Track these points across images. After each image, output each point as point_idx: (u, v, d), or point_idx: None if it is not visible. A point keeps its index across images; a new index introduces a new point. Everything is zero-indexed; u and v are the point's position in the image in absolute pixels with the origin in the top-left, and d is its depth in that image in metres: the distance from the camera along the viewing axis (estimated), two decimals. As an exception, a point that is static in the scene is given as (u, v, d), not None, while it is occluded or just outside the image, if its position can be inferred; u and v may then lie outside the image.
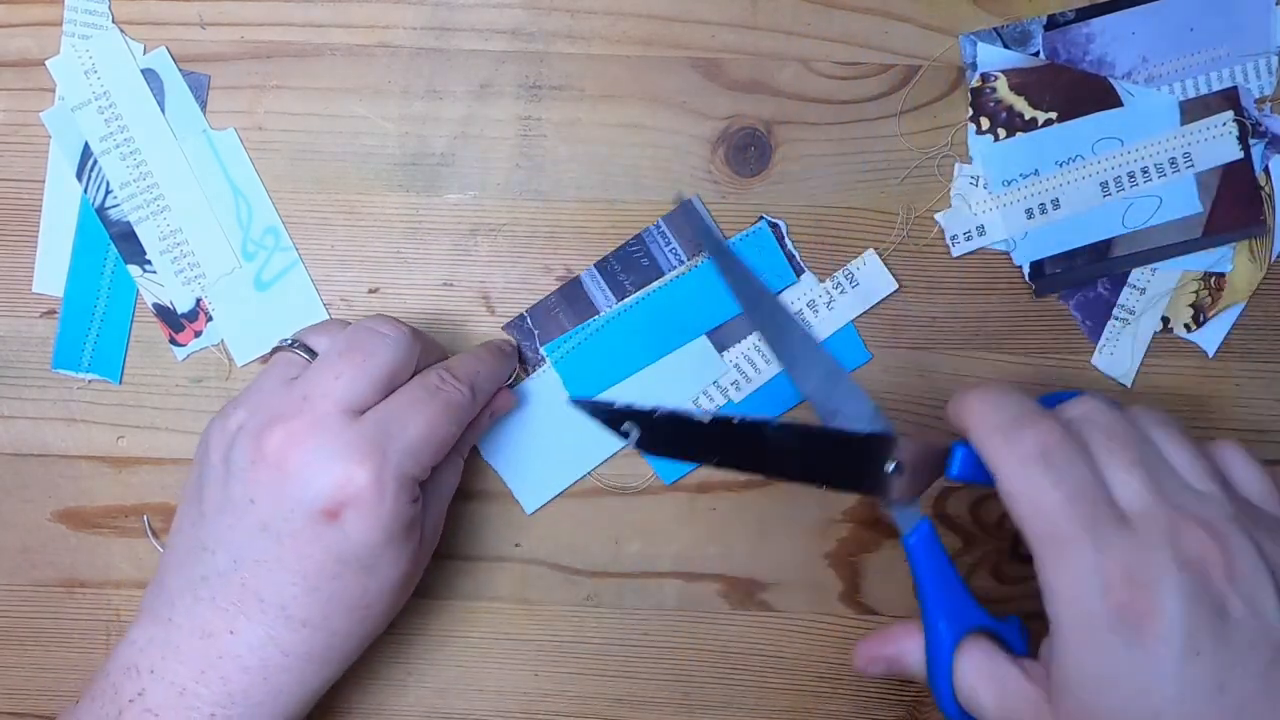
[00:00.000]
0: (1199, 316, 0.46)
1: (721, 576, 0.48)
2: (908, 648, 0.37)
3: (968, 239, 0.46)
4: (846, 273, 0.45)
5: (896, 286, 0.45)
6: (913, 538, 0.37)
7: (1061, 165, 0.45)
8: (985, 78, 0.46)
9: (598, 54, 0.46)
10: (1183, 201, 0.45)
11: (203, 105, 0.46)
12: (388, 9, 0.45)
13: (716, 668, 0.48)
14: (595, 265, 0.46)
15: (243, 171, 0.46)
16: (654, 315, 0.45)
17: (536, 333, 0.46)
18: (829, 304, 0.45)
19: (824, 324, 0.46)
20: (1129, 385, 0.47)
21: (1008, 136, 0.46)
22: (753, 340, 0.46)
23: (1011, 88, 0.46)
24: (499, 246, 0.46)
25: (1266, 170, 0.46)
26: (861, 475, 0.36)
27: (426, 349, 0.41)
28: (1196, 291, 0.46)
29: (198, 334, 0.46)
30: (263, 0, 0.45)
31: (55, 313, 0.46)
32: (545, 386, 0.46)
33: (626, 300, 0.45)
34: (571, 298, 0.46)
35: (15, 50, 0.45)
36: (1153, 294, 0.46)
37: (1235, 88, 0.45)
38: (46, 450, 0.47)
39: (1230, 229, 0.46)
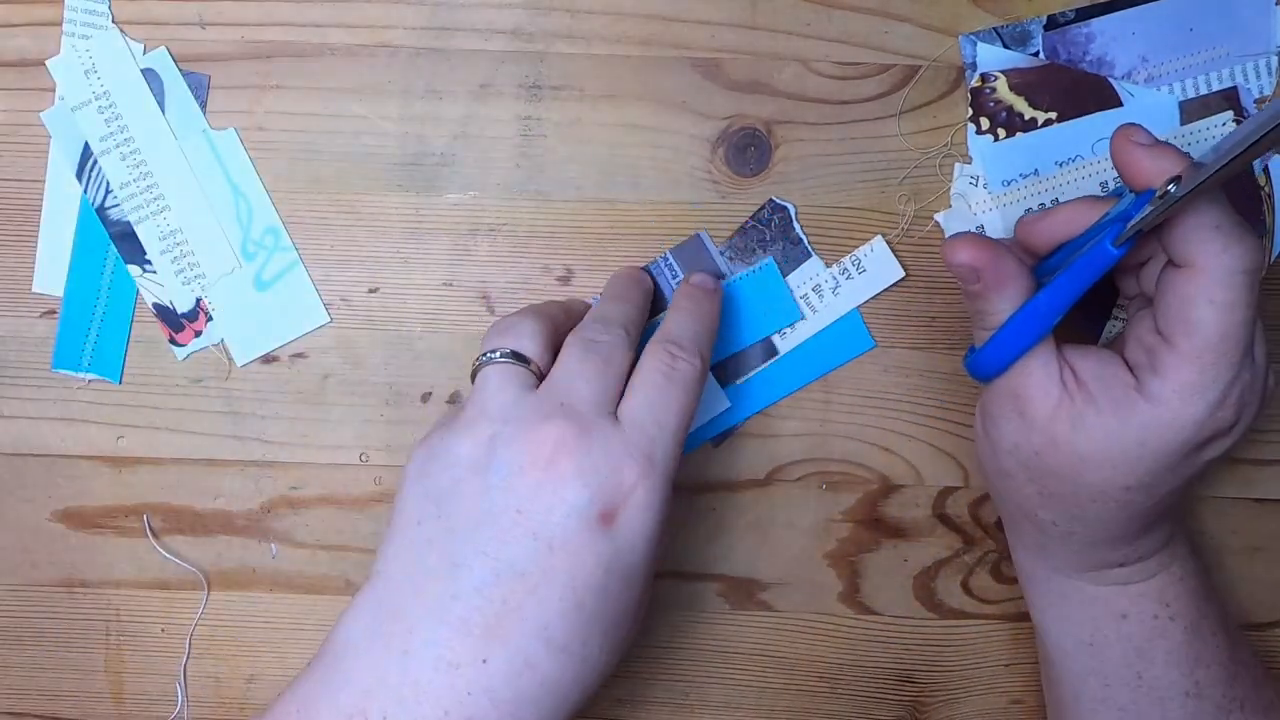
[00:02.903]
0: (1199, 316, 0.46)
1: (721, 576, 0.48)
2: (1013, 283, 0.38)
3: (965, 196, 0.46)
4: (854, 259, 0.45)
5: (904, 274, 0.46)
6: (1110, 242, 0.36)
7: (1061, 165, 0.45)
8: (985, 78, 0.46)
9: (598, 54, 0.46)
10: None
11: (203, 105, 0.46)
12: (388, 9, 0.45)
13: (716, 668, 0.48)
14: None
15: (243, 171, 0.46)
16: None
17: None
18: (835, 289, 0.45)
19: (829, 309, 0.46)
20: (1129, 385, 0.47)
21: (1007, 136, 0.46)
22: (754, 374, 0.46)
23: (1011, 88, 0.46)
24: (499, 246, 0.46)
25: (1266, 170, 0.46)
26: None
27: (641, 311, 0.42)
28: (1196, 291, 0.46)
29: (198, 334, 0.46)
30: (263, 0, 0.45)
31: (55, 313, 0.46)
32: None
33: None
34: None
35: (15, 50, 0.45)
36: (1152, 294, 0.46)
37: (1235, 87, 0.45)
38: (46, 450, 0.47)
39: None
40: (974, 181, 0.46)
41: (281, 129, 0.46)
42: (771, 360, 0.46)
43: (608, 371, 0.38)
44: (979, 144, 0.46)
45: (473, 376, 0.39)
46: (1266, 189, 0.46)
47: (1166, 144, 0.36)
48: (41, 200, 0.46)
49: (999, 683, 0.48)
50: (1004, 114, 0.46)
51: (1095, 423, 0.37)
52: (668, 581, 0.48)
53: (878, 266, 0.46)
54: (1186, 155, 0.36)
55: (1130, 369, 0.38)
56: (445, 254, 0.46)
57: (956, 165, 0.46)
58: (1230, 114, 0.45)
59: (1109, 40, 0.45)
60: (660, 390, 0.38)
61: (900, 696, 0.48)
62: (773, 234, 0.45)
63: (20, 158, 0.46)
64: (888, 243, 0.45)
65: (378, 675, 0.33)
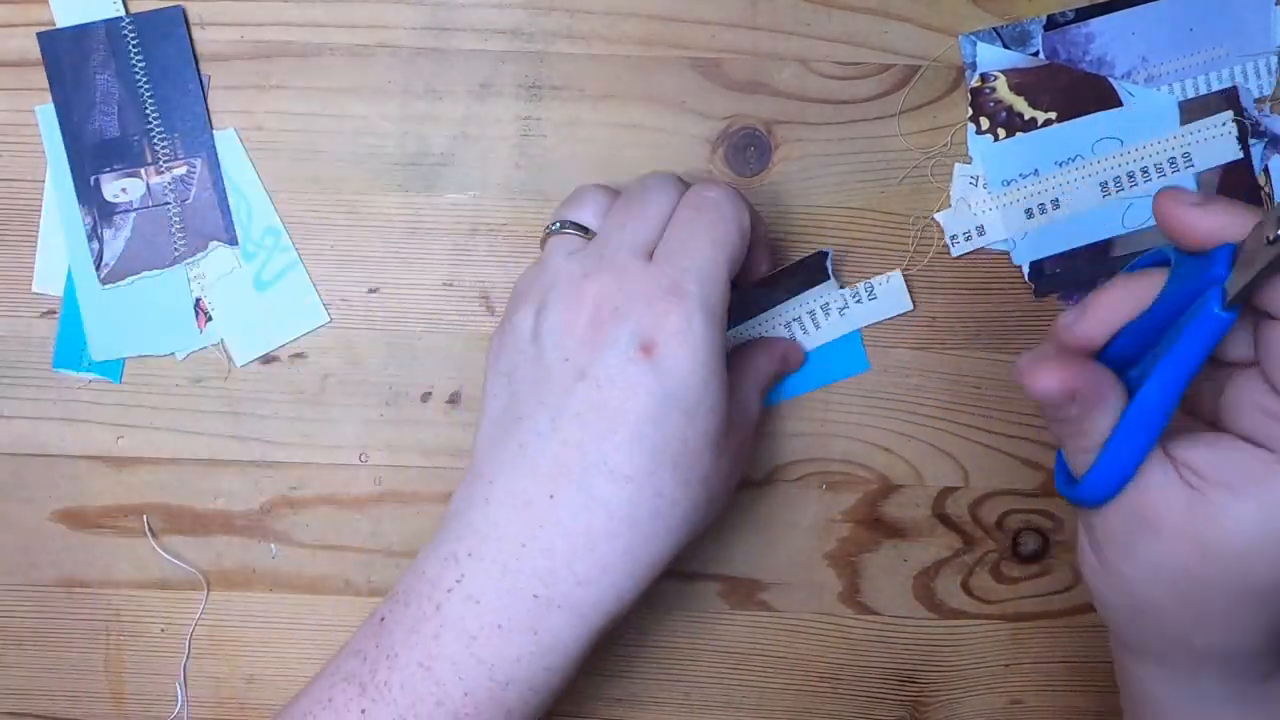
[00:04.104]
0: (1199, 316, 0.46)
1: (721, 576, 0.48)
2: (1111, 392, 0.32)
3: (967, 239, 0.46)
4: (868, 285, 0.46)
5: (911, 307, 0.46)
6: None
7: (1061, 165, 0.45)
8: (985, 78, 0.46)
9: (598, 54, 0.46)
10: None
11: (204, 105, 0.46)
12: (388, 9, 0.45)
13: (716, 668, 0.48)
14: None
15: (242, 171, 0.46)
16: None
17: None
18: (842, 310, 0.45)
19: (832, 327, 0.46)
20: (1129, 385, 0.47)
21: (1007, 136, 0.46)
22: None
23: (1011, 88, 0.46)
24: (499, 246, 0.46)
25: (1266, 170, 0.46)
26: None
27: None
28: (1196, 291, 0.46)
29: (197, 334, 0.46)
30: (263, 0, 0.45)
31: (55, 313, 0.46)
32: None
33: None
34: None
35: (15, 50, 0.45)
36: (1152, 294, 0.46)
37: (1235, 87, 0.45)
38: (46, 450, 0.47)
39: None
40: (974, 181, 0.46)
41: (281, 129, 0.46)
42: None
43: (646, 215, 0.39)
44: (979, 144, 0.46)
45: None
46: (1266, 189, 0.46)
47: (1217, 198, 0.33)
48: (41, 200, 0.46)
49: (999, 683, 0.48)
50: (1004, 114, 0.46)
51: (1242, 511, 0.31)
52: (668, 581, 0.48)
53: (889, 297, 0.46)
54: (1240, 203, 0.32)
55: (1253, 441, 0.32)
56: (445, 254, 0.46)
57: (956, 165, 0.46)
58: (1230, 114, 0.45)
59: (1109, 40, 0.45)
60: (688, 225, 0.39)
61: (900, 696, 0.48)
62: (804, 270, 0.45)
63: (20, 157, 0.46)
64: (905, 277, 0.46)
65: (466, 523, 0.37)
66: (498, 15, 0.45)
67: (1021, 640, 0.48)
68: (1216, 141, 0.45)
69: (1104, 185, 0.45)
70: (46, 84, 0.45)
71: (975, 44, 0.46)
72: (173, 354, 0.46)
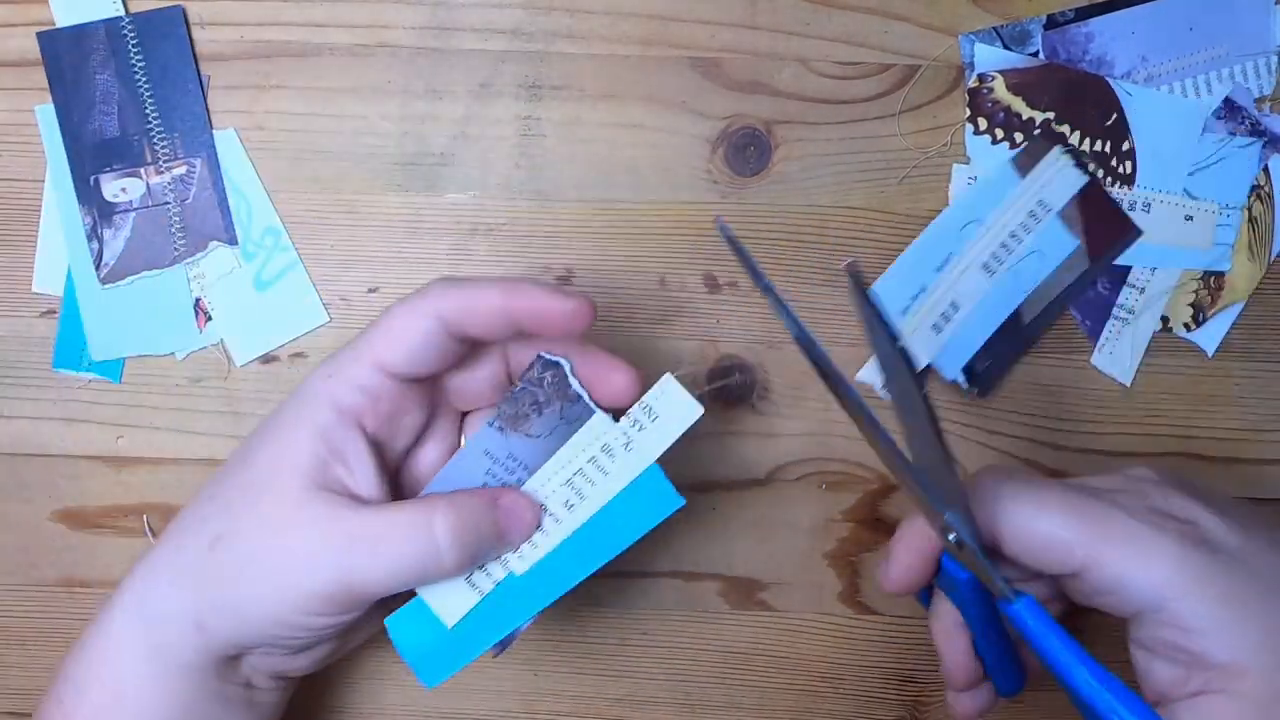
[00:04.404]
0: (1198, 315, 0.47)
1: (721, 576, 0.48)
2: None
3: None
4: (644, 406, 0.38)
5: (701, 411, 0.37)
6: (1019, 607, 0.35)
7: (940, 270, 0.46)
8: (982, 78, 0.46)
9: (598, 54, 0.46)
10: (1059, 245, 0.46)
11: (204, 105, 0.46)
12: (388, 9, 0.45)
13: (717, 668, 0.48)
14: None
15: (242, 171, 0.46)
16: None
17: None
18: (627, 446, 0.38)
19: (623, 470, 0.38)
20: (1128, 384, 0.47)
21: (1005, 137, 0.46)
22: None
23: (1009, 88, 0.46)
24: (499, 246, 0.46)
25: (1266, 170, 0.46)
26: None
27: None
28: (1196, 291, 0.46)
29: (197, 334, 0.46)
30: (263, 0, 0.45)
31: (55, 312, 0.46)
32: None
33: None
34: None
35: (14, 50, 0.45)
36: (1152, 293, 0.46)
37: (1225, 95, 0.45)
38: (46, 450, 0.47)
39: (1111, 246, 0.46)
40: (972, 181, 0.46)
41: (281, 129, 0.46)
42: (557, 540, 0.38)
43: None
44: (977, 144, 0.46)
45: None
46: (1266, 189, 0.46)
47: (897, 557, 0.38)
48: (41, 200, 0.46)
49: (999, 682, 0.48)
50: (1002, 114, 0.46)
51: None
52: (668, 581, 0.48)
53: (671, 409, 0.38)
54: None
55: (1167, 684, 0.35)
56: (445, 254, 0.46)
57: (955, 166, 0.46)
58: (1059, 147, 0.45)
59: (1109, 40, 0.45)
60: None
61: (900, 696, 0.48)
62: (547, 394, 0.38)
63: (20, 157, 0.46)
64: (679, 380, 0.37)
65: None
66: (498, 15, 0.45)
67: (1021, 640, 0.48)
68: (1059, 178, 0.46)
69: (985, 267, 0.45)
70: (46, 84, 0.45)
71: (974, 44, 0.46)
72: (173, 354, 0.46)
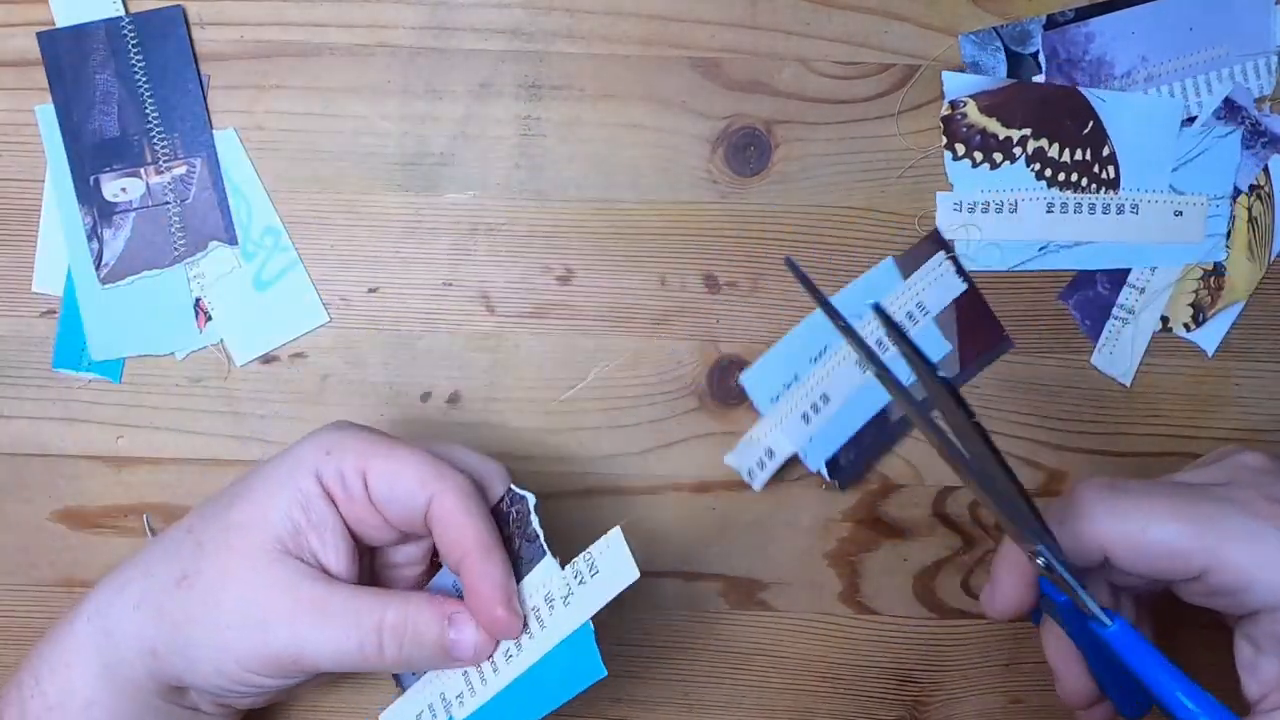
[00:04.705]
0: (1198, 315, 0.47)
1: (721, 576, 0.48)
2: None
3: (762, 468, 0.46)
4: (588, 557, 0.36)
5: (638, 575, 0.35)
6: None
7: (815, 361, 0.46)
8: (954, 104, 0.45)
9: (597, 54, 0.46)
10: (933, 347, 0.46)
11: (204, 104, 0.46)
12: (388, 9, 0.45)
13: (717, 667, 0.48)
14: None
15: (242, 171, 0.46)
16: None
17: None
18: (566, 598, 0.36)
19: (557, 625, 0.36)
20: (1128, 384, 0.47)
21: (984, 160, 0.46)
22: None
23: (982, 110, 0.46)
24: (498, 246, 0.46)
25: (1266, 170, 0.46)
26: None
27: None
28: (1196, 290, 0.46)
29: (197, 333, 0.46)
30: (263, 0, 0.45)
31: (55, 312, 0.46)
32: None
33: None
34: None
35: (14, 50, 0.45)
36: (1152, 292, 0.46)
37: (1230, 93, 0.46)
38: (46, 450, 0.47)
39: (981, 354, 0.46)
40: (957, 208, 0.46)
41: (281, 129, 0.46)
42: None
43: None
44: (957, 170, 0.46)
45: None
46: (1266, 189, 0.46)
47: (999, 581, 0.37)
48: (41, 200, 0.46)
49: (999, 683, 0.48)
50: (978, 137, 0.46)
51: None
52: (668, 581, 0.48)
53: (612, 566, 0.36)
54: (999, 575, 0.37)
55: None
56: (445, 254, 0.46)
57: (938, 195, 0.46)
58: (942, 253, 0.46)
59: (1109, 40, 0.45)
60: None
61: (900, 696, 0.48)
62: (510, 528, 0.38)
63: (20, 157, 0.46)
64: (623, 535, 0.36)
65: None
66: (498, 15, 0.45)
67: (1021, 640, 0.48)
68: (940, 283, 0.46)
69: (859, 362, 0.46)
70: (46, 84, 0.45)
71: (972, 43, 0.46)
72: (173, 354, 0.46)
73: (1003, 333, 0.46)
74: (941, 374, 0.32)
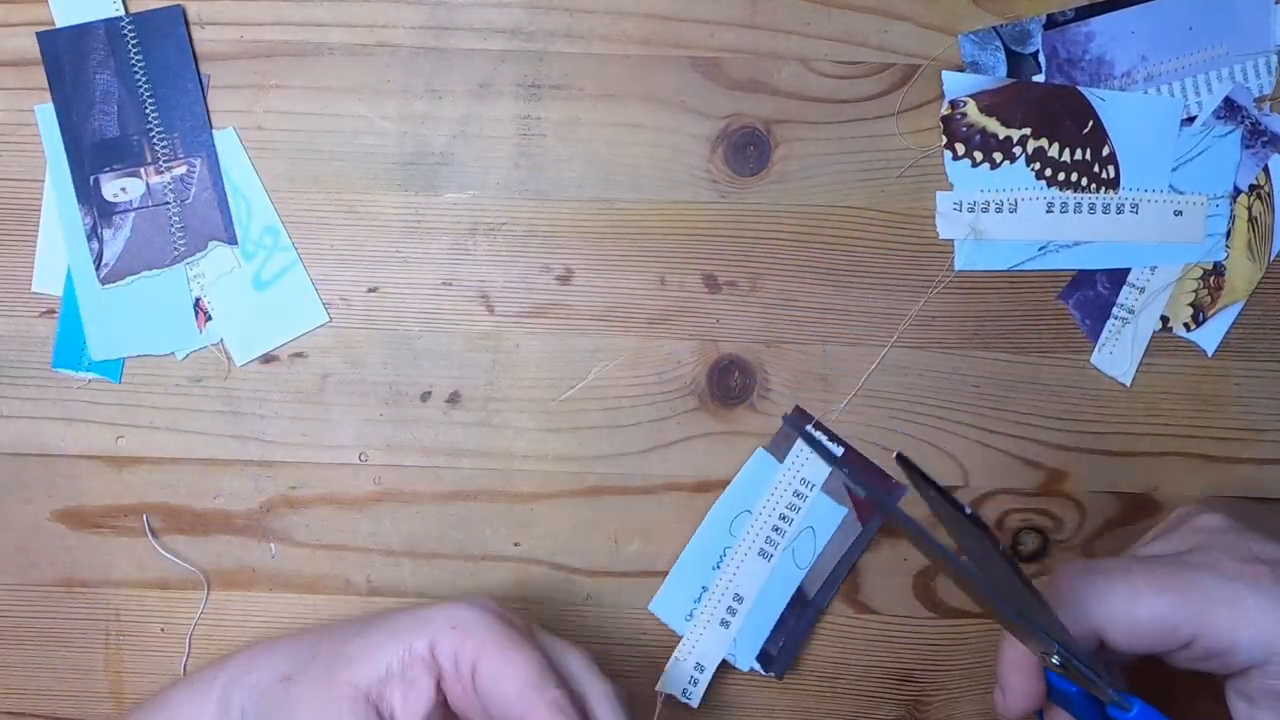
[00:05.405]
0: (1198, 315, 0.47)
1: (721, 576, 0.48)
2: None
3: (695, 684, 0.46)
4: None
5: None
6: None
7: (717, 567, 0.46)
8: (954, 104, 0.45)
9: (597, 53, 0.46)
10: (829, 516, 0.47)
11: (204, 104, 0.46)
12: (387, 9, 0.45)
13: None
14: None
15: (242, 171, 0.46)
16: None
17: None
18: None
19: None
20: (1128, 384, 0.47)
21: (984, 160, 0.46)
22: None
23: (982, 110, 0.46)
24: (498, 246, 0.46)
25: (1266, 170, 0.46)
26: None
27: None
28: (1196, 290, 0.46)
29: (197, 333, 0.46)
30: (263, 0, 0.45)
31: (55, 312, 0.46)
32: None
33: None
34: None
35: (13, 50, 0.45)
36: (1152, 292, 0.46)
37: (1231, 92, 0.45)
38: (46, 450, 0.47)
39: (875, 515, 0.47)
40: (957, 207, 0.46)
41: (281, 128, 0.46)
42: None
43: None
44: (957, 170, 0.46)
45: None
46: (1266, 188, 0.46)
47: (1009, 683, 0.37)
48: (41, 200, 0.46)
49: (999, 682, 0.48)
50: (978, 137, 0.46)
51: None
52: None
53: None
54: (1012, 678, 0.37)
55: None
56: (445, 254, 0.46)
57: (938, 195, 0.46)
58: (800, 440, 0.46)
59: (1108, 39, 0.45)
60: None
61: (900, 696, 0.48)
62: None
63: (20, 157, 0.46)
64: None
65: None
66: (498, 15, 0.45)
67: (1021, 640, 0.48)
68: (813, 462, 0.46)
69: (762, 553, 0.46)
70: (46, 84, 0.45)
71: (970, 44, 0.46)
72: (173, 354, 0.46)
73: (892, 481, 0.47)
74: (969, 512, 0.32)
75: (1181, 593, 0.35)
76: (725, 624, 0.46)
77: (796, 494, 0.46)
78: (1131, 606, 0.35)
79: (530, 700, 0.36)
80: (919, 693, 0.48)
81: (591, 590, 0.47)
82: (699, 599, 0.46)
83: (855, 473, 0.45)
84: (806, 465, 0.46)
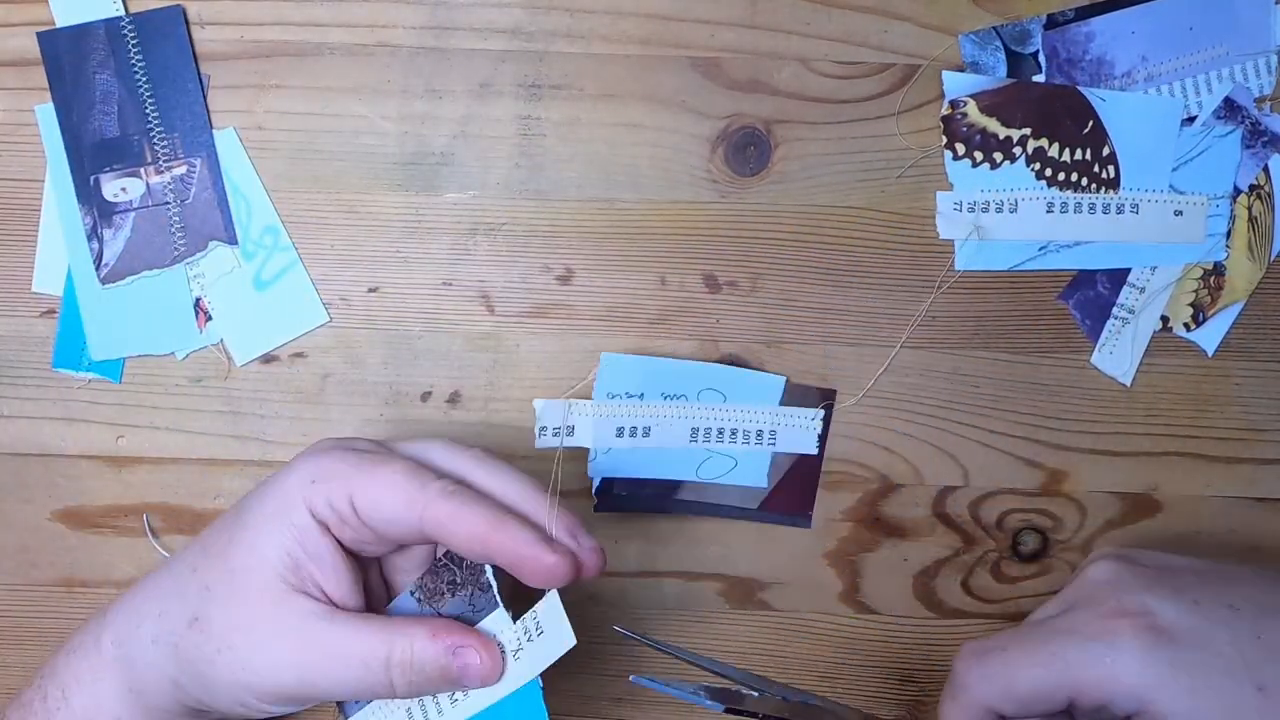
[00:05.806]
0: (1198, 315, 0.47)
1: (721, 576, 0.48)
2: None
3: (554, 435, 0.45)
4: (533, 615, 0.37)
5: (574, 642, 0.37)
6: None
7: (666, 399, 0.46)
8: (954, 104, 0.45)
9: (597, 53, 0.46)
10: (754, 473, 0.46)
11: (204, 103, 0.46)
12: (388, 9, 0.45)
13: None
14: None
15: (242, 171, 0.46)
16: None
17: None
18: (516, 653, 0.37)
19: (509, 677, 0.38)
20: (1128, 384, 0.47)
21: (984, 160, 0.46)
22: None
23: (982, 110, 0.46)
24: (498, 246, 0.46)
25: (1266, 170, 0.46)
26: None
27: None
28: (1196, 290, 0.46)
29: (197, 333, 0.46)
30: (263, 0, 0.45)
31: (55, 312, 0.46)
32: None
33: None
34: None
35: (13, 50, 0.45)
36: (1152, 292, 0.46)
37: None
38: (46, 450, 0.47)
39: (781, 512, 0.47)
40: (957, 207, 0.46)
41: (281, 128, 0.46)
42: None
43: None
44: (957, 169, 0.46)
45: None
46: (1266, 188, 0.46)
47: None
48: (41, 200, 0.46)
49: (999, 682, 0.48)
50: (978, 137, 0.46)
51: None
52: (668, 581, 0.48)
53: (552, 629, 0.37)
54: None
55: None
56: (445, 254, 0.46)
57: (938, 194, 0.46)
58: (821, 411, 0.46)
59: (1109, 39, 0.45)
60: None
61: (900, 696, 0.48)
62: (464, 576, 0.39)
63: (20, 157, 0.46)
64: (561, 600, 0.37)
65: None
66: (498, 15, 0.45)
67: (1021, 640, 0.48)
68: (801, 431, 0.46)
69: (695, 431, 0.46)
70: (46, 84, 0.45)
71: (971, 43, 0.46)
72: (173, 354, 0.46)
73: (809, 511, 0.47)
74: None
75: (1047, 664, 0.36)
76: (620, 433, 0.45)
77: (760, 434, 0.46)
78: (1012, 684, 0.36)
79: (417, 502, 0.36)
80: (919, 693, 0.48)
81: (593, 590, 0.47)
82: (630, 395, 0.45)
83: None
84: (792, 430, 0.46)
